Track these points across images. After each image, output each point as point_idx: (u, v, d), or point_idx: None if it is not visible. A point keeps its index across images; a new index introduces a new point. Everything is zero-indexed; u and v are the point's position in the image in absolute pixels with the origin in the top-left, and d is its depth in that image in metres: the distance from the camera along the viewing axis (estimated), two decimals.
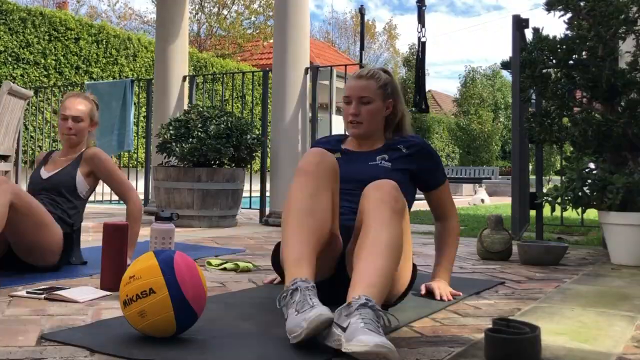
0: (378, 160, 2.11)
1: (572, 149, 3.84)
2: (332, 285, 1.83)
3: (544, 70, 3.74)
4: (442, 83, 72.54)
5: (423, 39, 5.25)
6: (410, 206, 2.07)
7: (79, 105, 2.81)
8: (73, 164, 2.78)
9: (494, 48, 62.88)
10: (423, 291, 2.12)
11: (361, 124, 2.11)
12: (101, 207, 7.06)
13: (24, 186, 5.81)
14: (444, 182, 2.21)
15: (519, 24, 4.02)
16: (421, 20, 5.21)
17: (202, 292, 1.56)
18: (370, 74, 2.13)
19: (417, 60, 5.18)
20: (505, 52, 46.50)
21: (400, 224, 1.69)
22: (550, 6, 3.64)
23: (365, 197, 1.76)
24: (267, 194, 5.53)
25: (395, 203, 1.71)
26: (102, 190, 8.29)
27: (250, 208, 6.10)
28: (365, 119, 2.10)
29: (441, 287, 2.12)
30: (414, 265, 1.97)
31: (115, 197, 8.01)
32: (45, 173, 2.77)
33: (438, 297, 2.06)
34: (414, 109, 5.33)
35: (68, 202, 2.71)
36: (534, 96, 4.26)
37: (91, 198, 8.58)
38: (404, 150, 2.13)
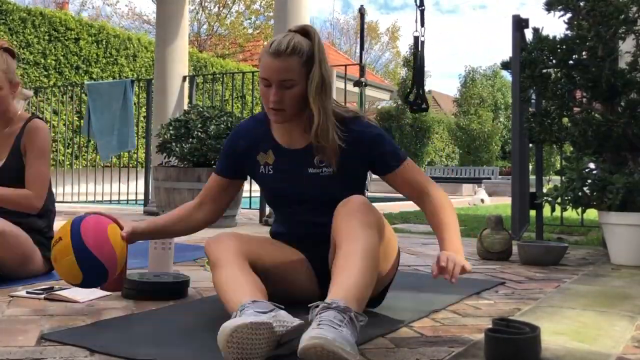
0: (316, 167, 1.82)
1: (572, 149, 3.83)
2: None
3: (544, 70, 3.74)
4: (442, 83, 72.62)
5: (422, 39, 5.26)
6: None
7: None
8: (15, 149, 2.37)
9: (493, 48, 62.93)
10: (435, 271, 1.62)
11: (284, 112, 1.74)
12: (101, 207, 7.06)
13: None
14: (398, 165, 1.83)
15: (519, 24, 4.02)
16: (421, 20, 5.21)
17: (106, 244, 1.73)
18: (291, 49, 1.70)
19: (415, 60, 5.18)
20: (501, 51, 46.66)
21: (373, 237, 1.59)
22: (550, 6, 3.64)
23: (335, 215, 1.67)
24: None
25: (364, 217, 1.61)
26: (102, 190, 8.32)
27: (250, 208, 6.10)
28: (289, 104, 1.73)
29: (449, 260, 1.64)
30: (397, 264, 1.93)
31: (115, 197, 8.04)
32: None
33: (447, 275, 1.61)
34: (414, 107, 5.32)
35: None
36: (533, 96, 4.26)
37: (91, 198, 8.61)
38: (341, 143, 1.78)
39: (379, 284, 1.79)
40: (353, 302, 1.41)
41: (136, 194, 7.54)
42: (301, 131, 1.82)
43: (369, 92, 15.11)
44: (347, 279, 1.47)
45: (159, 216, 2.04)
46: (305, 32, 1.78)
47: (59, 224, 4.42)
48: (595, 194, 3.24)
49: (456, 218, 1.82)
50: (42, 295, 1.98)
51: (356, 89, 5.53)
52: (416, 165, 1.89)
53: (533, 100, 4.35)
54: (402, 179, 1.84)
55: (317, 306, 1.37)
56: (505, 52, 41.99)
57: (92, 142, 8.59)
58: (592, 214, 3.71)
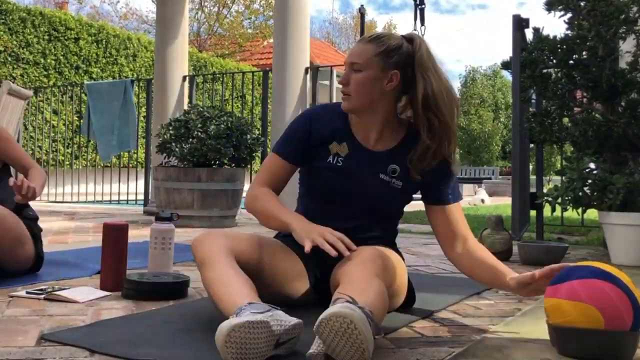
0: (388, 175, 1.78)
1: (572, 149, 3.83)
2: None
3: (544, 70, 3.74)
4: None
5: None
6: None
7: None
8: None
9: (493, 47, 62.94)
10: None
11: (349, 97, 1.72)
12: (101, 207, 7.06)
13: None
14: (450, 202, 1.83)
15: (519, 24, 4.02)
16: (421, 19, 5.20)
17: None
18: (372, 37, 1.74)
19: None
20: (501, 51, 46.66)
21: (381, 286, 1.50)
22: (550, 6, 3.64)
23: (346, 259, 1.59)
24: None
25: (379, 270, 1.54)
26: (102, 190, 8.31)
27: None
28: (354, 90, 1.71)
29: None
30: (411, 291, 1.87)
31: (115, 197, 8.04)
32: None
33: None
34: None
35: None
36: (534, 96, 4.26)
37: (90, 198, 8.62)
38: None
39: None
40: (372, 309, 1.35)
41: (136, 194, 7.54)
42: (381, 133, 1.79)
43: None
44: (363, 294, 1.40)
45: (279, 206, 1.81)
46: (410, 38, 1.79)
47: (59, 224, 4.40)
48: (595, 194, 3.24)
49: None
50: (42, 296, 1.98)
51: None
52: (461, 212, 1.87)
53: (533, 100, 4.35)
54: (449, 217, 1.83)
55: (337, 299, 1.35)
56: (505, 52, 41.97)
57: (92, 142, 8.58)
58: (592, 214, 3.71)
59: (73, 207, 7.07)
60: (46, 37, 9.34)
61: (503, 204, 9.64)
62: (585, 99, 3.76)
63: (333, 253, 1.56)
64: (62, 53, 9.55)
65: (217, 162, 4.91)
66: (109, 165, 9.05)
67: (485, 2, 68.08)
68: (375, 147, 1.80)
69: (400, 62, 1.73)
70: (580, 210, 3.40)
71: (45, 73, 9.28)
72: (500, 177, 16.87)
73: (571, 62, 3.66)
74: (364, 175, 1.78)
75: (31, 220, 2.43)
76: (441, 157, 1.76)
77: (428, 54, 1.74)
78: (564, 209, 3.51)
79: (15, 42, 8.86)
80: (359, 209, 1.81)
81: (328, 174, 1.80)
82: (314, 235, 1.60)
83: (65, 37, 9.63)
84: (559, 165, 5.01)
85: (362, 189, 1.78)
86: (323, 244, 1.57)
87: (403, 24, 42.08)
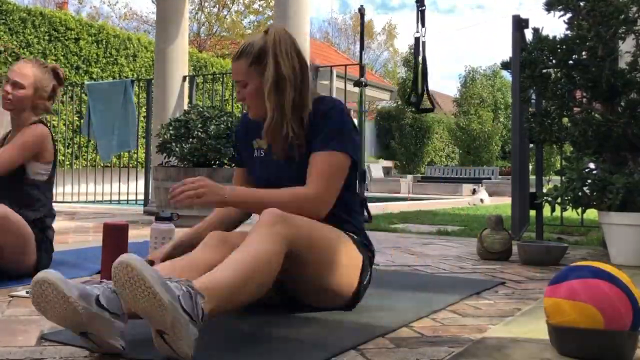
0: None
1: (572, 149, 3.84)
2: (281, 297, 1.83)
3: (544, 71, 3.74)
4: (442, 83, 72.67)
5: (423, 39, 5.25)
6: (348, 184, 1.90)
7: (24, 69, 2.44)
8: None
9: (492, 48, 62.96)
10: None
11: (251, 108, 1.90)
12: (101, 207, 7.06)
13: None
14: (319, 150, 1.83)
15: (519, 24, 4.02)
16: (422, 20, 5.21)
17: None
18: (239, 53, 1.87)
19: (416, 61, 5.18)
20: (500, 51, 46.68)
21: (266, 244, 1.56)
22: (550, 6, 3.64)
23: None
24: None
25: (268, 227, 1.61)
26: (102, 190, 8.31)
27: None
28: (250, 102, 1.88)
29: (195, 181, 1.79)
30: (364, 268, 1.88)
31: (115, 197, 8.03)
32: None
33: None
34: (420, 108, 5.30)
35: (20, 192, 2.39)
36: (533, 96, 4.26)
37: (91, 198, 8.62)
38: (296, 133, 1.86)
39: (330, 294, 1.79)
40: (208, 289, 1.40)
41: (136, 194, 7.54)
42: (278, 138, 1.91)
43: (369, 92, 15.10)
44: (216, 273, 1.47)
45: (196, 227, 2.05)
46: (265, 31, 1.89)
47: (59, 224, 4.39)
48: (595, 194, 3.24)
49: (281, 204, 1.74)
50: None
51: (356, 89, 5.53)
52: (337, 165, 1.84)
53: (533, 100, 4.35)
54: (310, 162, 1.84)
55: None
56: (502, 52, 42.01)
57: (92, 142, 8.59)
58: (592, 214, 3.71)
59: (73, 207, 7.07)
60: (46, 38, 9.35)
61: (503, 204, 9.64)
62: (584, 99, 3.76)
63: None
64: (62, 53, 9.55)
65: (217, 162, 4.92)
66: (109, 165, 9.05)
67: (483, 2, 68.15)
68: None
69: (261, 60, 1.83)
70: (579, 210, 3.41)
71: None
72: (499, 177, 16.86)
73: (571, 62, 3.66)
74: (275, 163, 1.92)
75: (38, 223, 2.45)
76: (307, 126, 1.86)
77: (280, 40, 1.85)
78: (564, 209, 3.51)
79: (15, 43, 8.86)
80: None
81: (258, 166, 1.99)
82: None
83: (66, 38, 9.63)
84: (558, 165, 5.01)
85: (277, 174, 1.92)
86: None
87: (402, 24, 42.01)
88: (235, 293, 1.47)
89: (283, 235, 1.61)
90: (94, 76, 9.98)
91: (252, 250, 1.54)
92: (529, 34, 4.11)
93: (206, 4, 19.46)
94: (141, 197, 6.91)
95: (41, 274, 1.32)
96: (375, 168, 17.55)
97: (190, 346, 1.30)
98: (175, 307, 1.28)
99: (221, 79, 7.89)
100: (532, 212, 4.31)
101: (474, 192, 12.69)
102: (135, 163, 8.60)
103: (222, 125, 4.78)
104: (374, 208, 6.80)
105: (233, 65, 1.88)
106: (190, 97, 6.51)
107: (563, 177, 3.49)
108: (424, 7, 4.83)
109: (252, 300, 1.56)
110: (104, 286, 1.39)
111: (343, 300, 1.84)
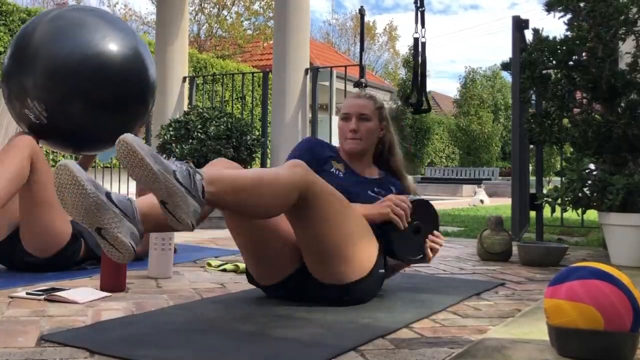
0: (376, 194, 2.12)
1: (572, 149, 3.84)
2: (298, 280, 1.91)
3: (544, 71, 3.74)
4: (441, 84, 72.66)
5: (423, 40, 5.26)
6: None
7: None
8: None
9: (490, 48, 62.94)
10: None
11: (360, 140, 2.18)
12: None
13: None
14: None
15: (519, 25, 4.02)
16: (422, 21, 5.21)
17: None
18: (369, 96, 2.27)
19: (415, 61, 5.18)
20: (499, 52, 46.60)
21: (275, 173, 1.69)
22: (550, 7, 3.64)
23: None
24: None
25: (282, 168, 1.74)
26: None
27: None
28: (364, 135, 2.19)
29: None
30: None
31: None
32: None
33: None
34: (416, 109, 5.30)
35: None
36: (533, 97, 4.26)
37: None
38: (394, 191, 2.16)
39: (336, 262, 1.84)
40: (212, 176, 1.55)
41: (136, 194, 7.53)
42: (366, 166, 2.24)
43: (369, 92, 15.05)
44: (223, 170, 1.66)
45: None
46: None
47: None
48: (595, 194, 3.24)
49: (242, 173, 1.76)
50: (42, 296, 1.98)
51: (356, 90, 5.54)
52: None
53: (533, 101, 4.35)
54: None
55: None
56: (504, 52, 41.97)
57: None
58: (592, 214, 3.72)
59: None
60: None
61: (503, 205, 9.64)
62: (585, 100, 3.76)
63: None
64: None
65: None
66: (109, 165, 9.05)
67: (478, 3, 68.15)
68: (364, 174, 2.24)
69: (384, 116, 2.27)
70: (580, 211, 3.41)
71: None
72: (499, 177, 16.86)
73: (571, 63, 3.66)
74: (358, 189, 2.14)
75: None
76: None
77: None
78: (564, 210, 3.51)
79: None
80: None
81: (335, 180, 2.09)
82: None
83: None
84: (558, 166, 5.02)
85: (357, 197, 2.09)
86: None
87: (402, 25, 41.95)
88: (239, 189, 1.60)
89: (300, 174, 1.71)
90: None
91: (265, 169, 1.70)
92: (528, 35, 4.11)
93: (206, 5, 19.46)
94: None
95: (63, 161, 1.46)
96: None
97: (190, 216, 1.46)
98: (166, 177, 1.44)
99: (221, 80, 7.88)
100: (532, 213, 4.31)
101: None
102: None
103: (222, 126, 4.79)
104: None
105: (362, 100, 2.22)
106: (190, 98, 6.51)
107: (563, 178, 3.49)
108: (423, 8, 4.83)
109: (255, 211, 1.68)
110: (120, 195, 1.53)
111: (350, 279, 1.86)
